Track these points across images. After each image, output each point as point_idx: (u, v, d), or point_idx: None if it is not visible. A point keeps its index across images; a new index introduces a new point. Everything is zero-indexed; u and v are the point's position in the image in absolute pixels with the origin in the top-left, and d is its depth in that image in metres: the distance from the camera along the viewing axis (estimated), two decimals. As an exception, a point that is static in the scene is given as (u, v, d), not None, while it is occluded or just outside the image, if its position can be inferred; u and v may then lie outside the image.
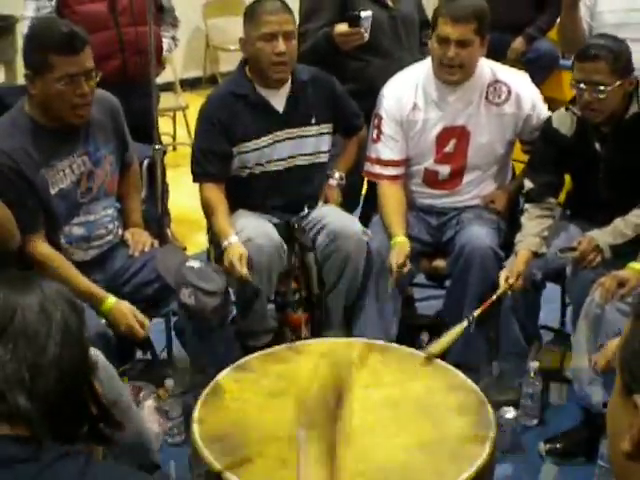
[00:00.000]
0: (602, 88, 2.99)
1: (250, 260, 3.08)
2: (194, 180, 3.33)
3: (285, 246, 3.24)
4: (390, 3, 3.65)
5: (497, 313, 3.26)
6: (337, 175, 3.52)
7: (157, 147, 3.34)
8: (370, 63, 3.60)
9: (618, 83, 3.01)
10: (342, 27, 3.42)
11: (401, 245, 3.25)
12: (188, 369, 3.29)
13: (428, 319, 3.76)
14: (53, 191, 2.87)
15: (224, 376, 2.58)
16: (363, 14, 3.38)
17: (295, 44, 3.23)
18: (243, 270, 3.02)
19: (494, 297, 3.11)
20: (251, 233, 3.15)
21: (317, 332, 3.33)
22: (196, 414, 2.39)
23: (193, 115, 3.42)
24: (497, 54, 4.33)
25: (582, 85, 3.03)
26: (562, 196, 3.49)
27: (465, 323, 3.01)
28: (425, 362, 2.71)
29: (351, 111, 3.51)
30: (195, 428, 2.32)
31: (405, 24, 3.68)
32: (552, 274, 3.31)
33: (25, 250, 2.78)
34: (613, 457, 1.08)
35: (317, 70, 3.39)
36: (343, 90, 3.45)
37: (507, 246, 3.32)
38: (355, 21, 3.38)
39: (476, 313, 3.06)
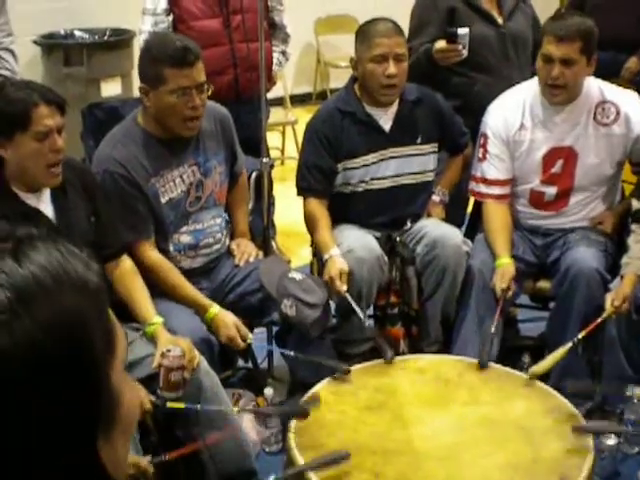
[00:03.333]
0: None
1: (350, 273, 3.11)
2: (298, 193, 3.38)
3: (386, 258, 3.26)
4: (500, 21, 3.65)
5: (601, 338, 3.20)
6: (441, 192, 3.52)
7: (265, 160, 3.40)
8: (475, 80, 3.61)
9: None
10: (441, 43, 3.45)
11: (506, 267, 3.23)
12: (287, 379, 3.34)
13: (530, 341, 3.71)
14: (163, 200, 2.96)
15: (322, 387, 2.62)
16: (460, 31, 3.40)
17: (405, 66, 3.25)
18: (342, 287, 3.05)
19: (599, 320, 3.05)
20: (352, 245, 3.18)
21: (416, 347, 3.33)
22: (293, 424, 2.43)
23: (302, 130, 3.47)
24: (610, 74, 4.27)
25: None
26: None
27: (569, 345, 2.97)
28: (525, 383, 2.68)
29: (457, 130, 3.51)
30: (291, 438, 2.36)
31: (515, 42, 3.67)
32: (660, 299, 3.23)
33: (135, 256, 2.87)
34: None
35: (424, 89, 3.41)
36: (449, 108, 3.46)
37: (614, 269, 3.26)
38: (453, 38, 3.41)
39: (581, 335, 3.01)
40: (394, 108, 3.34)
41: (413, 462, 2.30)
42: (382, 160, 3.34)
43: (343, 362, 2.87)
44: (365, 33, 3.28)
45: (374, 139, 3.32)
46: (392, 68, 3.19)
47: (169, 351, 2.53)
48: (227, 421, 2.66)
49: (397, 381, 2.67)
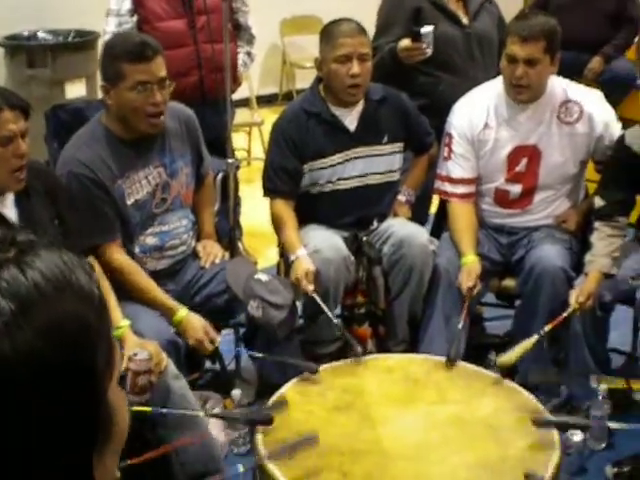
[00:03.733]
0: None
1: (317, 273, 3.11)
2: (264, 195, 3.38)
3: (353, 258, 3.26)
4: (465, 21, 3.67)
5: (566, 335, 3.23)
6: (406, 191, 3.54)
7: (230, 161, 3.40)
8: (440, 79, 3.63)
9: None
10: (405, 42, 3.46)
11: (472, 265, 3.25)
12: (255, 380, 3.33)
13: (497, 338, 3.74)
14: (129, 202, 2.95)
15: (290, 388, 2.61)
16: (424, 30, 3.41)
17: (369, 66, 3.26)
18: (309, 287, 3.05)
19: (564, 315, 3.08)
20: (319, 245, 3.18)
21: (383, 346, 3.34)
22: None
23: (268, 131, 3.47)
24: (573, 73, 4.31)
25: None
26: (634, 217, 3.45)
27: (536, 337, 3.00)
28: (493, 381, 2.70)
29: (423, 129, 3.53)
30: (259, 438, 2.36)
31: (481, 42, 3.69)
32: (622, 296, 3.26)
33: (102, 258, 2.85)
34: None
35: (389, 89, 3.42)
36: (415, 108, 3.48)
37: (578, 267, 3.29)
38: (416, 36, 3.42)
39: (547, 328, 3.04)
40: (359, 108, 3.35)
41: (381, 462, 2.30)
42: (348, 160, 3.34)
43: (311, 362, 2.88)
44: (329, 33, 3.28)
45: (340, 139, 3.32)
46: (356, 68, 3.19)
47: (136, 355, 2.51)
48: (195, 424, 2.65)
49: (365, 381, 2.67)
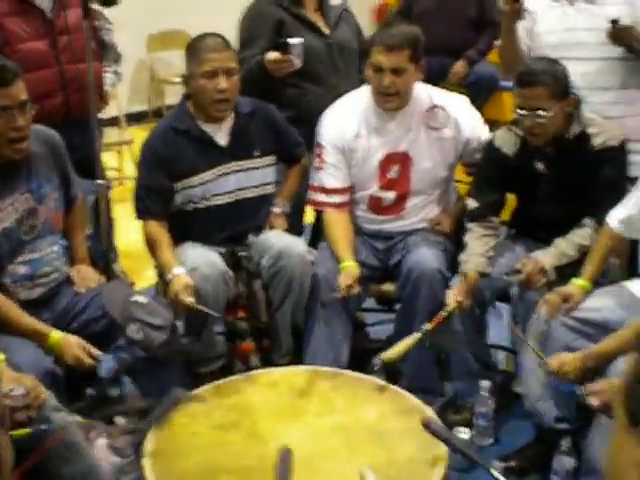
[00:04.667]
0: (542, 113, 3.02)
1: (196, 289, 3.07)
2: (137, 217, 3.32)
3: (231, 273, 3.24)
4: (326, 31, 3.69)
5: (447, 335, 3.28)
6: (281, 203, 3.53)
7: (100, 182, 3.33)
8: (306, 90, 3.65)
9: (558, 106, 3.04)
10: (273, 54, 3.46)
11: (349, 269, 3.27)
12: (138, 404, 3.26)
13: (380, 343, 3.76)
14: None
15: (173, 411, 2.57)
16: (292, 41, 3.43)
17: (237, 80, 3.25)
18: (188, 299, 3.02)
19: (443, 314, 3.13)
20: (196, 262, 3.15)
21: (268, 360, 3.33)
22: (147, 449, 2.38)
23: (139, 149, 3.42)
24: (437, 78, 4.41)
25: (522, 111, 3.07)
26: (507, 215, 3.53)
27: (419, 335, 3.04)
28: (377, 387, 2.71)
29: (292, 140, 3.54)
30: (146, 463, 2.31)
31: (342, 52, 3.73)
32: (499, 293, 3.34)
33: None
34: None
35: (258, 101, 3.42)
36: (283, 119, 3.49)
37: (454, 267, 3.35)
38: (285, 48, 3.43)
39: (428, 326, 3.08)
40: (229, 123, 3.33)
41: (270, 478, 2.28)
42: (221, 176, 3.32)
43: (194, 382, 2.84)
44: (194, 49, 3.26)
45: (211, 155, 3.30)
46: (223, 83, 3.18)
47: (12, 390, 2.42)
48: (78, 453, 2.57)
49: (250, 397, 2.65)
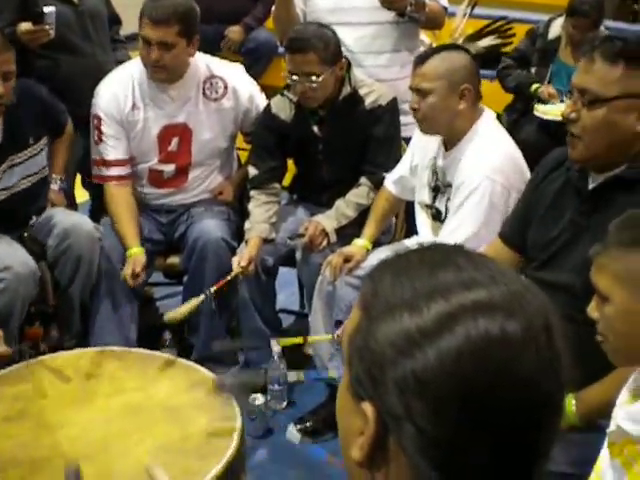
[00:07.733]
0: (314, 78, 3.07)
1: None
2: None
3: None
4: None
5: (235, 304, 3.31)
6: (57, 179, 3.42)
7: None
8: (60, 61, 3.52)
9: (329, 71, 3.10)
10: (26, 25, 3.28)
11: (136, 256, 3.24)
12: None
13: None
14: None
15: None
16: (46, 10, 3.28)
17: (12, 84, 3.03)
18: None
19: (228, 277, 3.18)
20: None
21: (57, 345, 3.23)
22: None
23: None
24: (213, 47, 4.37)
25: (294, 77, 3.10)
26: (287, 180, 3.58)
27: (202, 297, 3.11)
28: (167, 362, 2.69)
29: (57, 110, 3.39)
30: None
31: (93, 20, 3.61)
32: (284, 259, 3.39)
33: None
34: (345, 460, 0.91)
35: (20, 83, 3.18)
36: (47, 93, 3.32)
37: (240, 235, 3.37)
38: (38, 18, 3.28)
39: (213, 289, 3.14)
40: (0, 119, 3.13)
41: (63, 466, 2.22)
42: (5, 172, 3.14)
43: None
44: None
45: None
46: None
47: None
48: None
49: (36, 385, 2.55)
